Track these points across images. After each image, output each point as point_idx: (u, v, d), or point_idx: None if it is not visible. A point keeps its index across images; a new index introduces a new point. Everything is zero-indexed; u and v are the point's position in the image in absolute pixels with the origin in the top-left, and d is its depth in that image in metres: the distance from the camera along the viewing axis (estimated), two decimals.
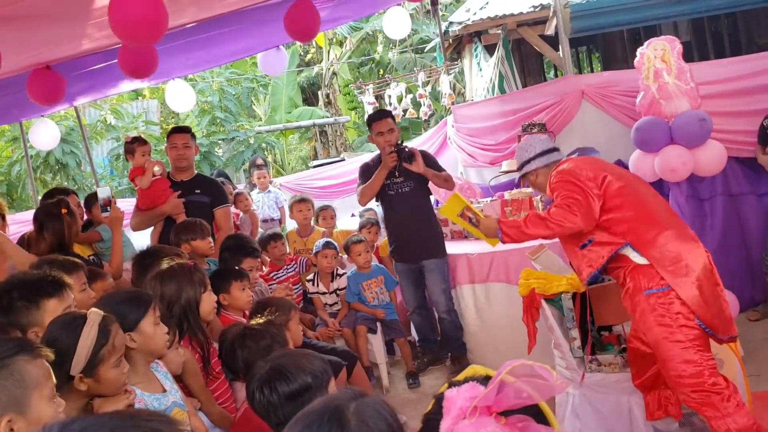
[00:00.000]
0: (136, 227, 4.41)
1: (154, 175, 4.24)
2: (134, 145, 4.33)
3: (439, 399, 1.14)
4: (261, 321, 2.76)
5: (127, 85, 6.10)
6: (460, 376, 1.21)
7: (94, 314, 1.96)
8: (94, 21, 3.81)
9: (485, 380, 1.13)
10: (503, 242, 3.12)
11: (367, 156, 6.39)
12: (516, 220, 3.07)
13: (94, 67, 5.18)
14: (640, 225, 2.84)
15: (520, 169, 3.28)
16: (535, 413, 1.11)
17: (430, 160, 4.68)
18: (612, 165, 3.24)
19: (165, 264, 2.80)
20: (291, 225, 6.17)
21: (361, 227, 5.51)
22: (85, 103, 6.85)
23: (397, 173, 4.63)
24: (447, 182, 4.61)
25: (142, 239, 5.02)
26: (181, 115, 16.80)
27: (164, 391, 2.27)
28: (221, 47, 5.49)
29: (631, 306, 2.85)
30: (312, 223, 5.64)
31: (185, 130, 4.47)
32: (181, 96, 6.10)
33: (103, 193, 3.60)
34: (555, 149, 3.25)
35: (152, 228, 4.34)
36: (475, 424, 1.04)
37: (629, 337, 3.01)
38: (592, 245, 2.94)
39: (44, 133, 6.45)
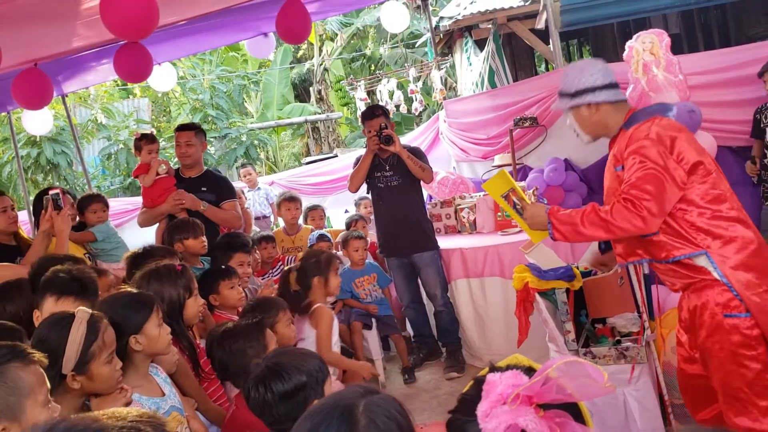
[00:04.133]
0: (142, 224, 4.44)
1: (158, 174, 4.23)
2: (142, 142, 4.32)
3: (478, 381, 1.15)
4: (242, 323, 2.72)
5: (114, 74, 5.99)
6: (502, 363, 1.21)
7: (82, 312, 1.97)
8: (83, 20, 3.80)
9: (528, 371, 1.14)
10: (554, 239, 2.59)
11: (360, 152, 6.39)
12: (571, 215, 2.53)
13: (82, 57, 5.16)
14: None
15: (572, 95, 2.59)
16: (575, 412, 1.11)
17: (418, 155, 4.70)
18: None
19: (153, 264, 2.80)
20: (282, 222, 6.16)
21: (348, 225, 5.53)
22: (73, 90, 6.71)
23: (387, 167, 4.65)
24: (424, 171, 4.59)
25: (143, 237, 5.05)
26: (173, 112, 16.76)
27: (163, 395, 2.27)
28: (209, 35, 5.46)
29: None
30: (300, 221, 5.62)
31: (189, 127, 4.45)
32: (162, 76, 6.04)
33: (53, 194, 3.55)
34: (617, 86, 2.63)
35: (157, 225, 4.37)
36: (513, 411, 1.04)
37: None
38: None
39: (36, 117, 6.37)
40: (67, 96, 6.58)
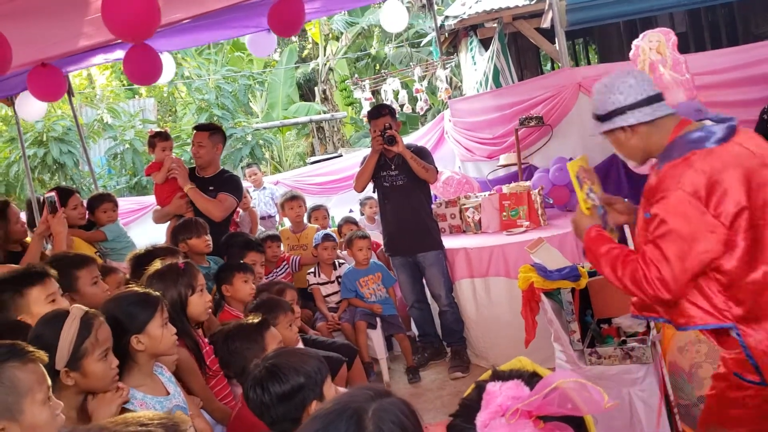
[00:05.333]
0: (156, 222, 4.56)
1: (170, 170, 4.25)
2: (156, 139, 4.39)
3: (480, 387, 1.14)
4: (243, 323, 2.72)
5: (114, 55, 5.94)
6: (506, 367, 1.20)
7: (76, 309, 1.98)
8: (91, 17, 3.82)
9: (531, 378, 1.13)
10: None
11: (365, 152, 6.38)
12: (600, 250, 2.22)
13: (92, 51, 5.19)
14: None
15: (601, 118, 2.24)
16: (578, 424, 1.10)
17: (425, 159, 4.71)
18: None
19: (157, 265, 2.82)
20: (288, 221, 6.17)
21: (340, 226, 5.55)
22: (73, 70, 6.66)
23: (393, 166, 4.66)
24: (427, 172, 4.57)
25: (149, 236, 5.10)
26: (179, 112, 16.79)
27: (167, 394, 2.28)
28: (210, 29, 5.45)
29: None
30: (305, 220, 5.64)
31: (202, 128, 4.50)
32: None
33: (49, 197, 3.57)
34: (660, 97, 2.18)
35: (168, 224, 4.45)
36: (512, 426, 1.04)
37: None
38: None
39: (31, 103, 6.31)
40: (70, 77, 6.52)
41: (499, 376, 1.14)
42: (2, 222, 3.48)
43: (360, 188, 4.82)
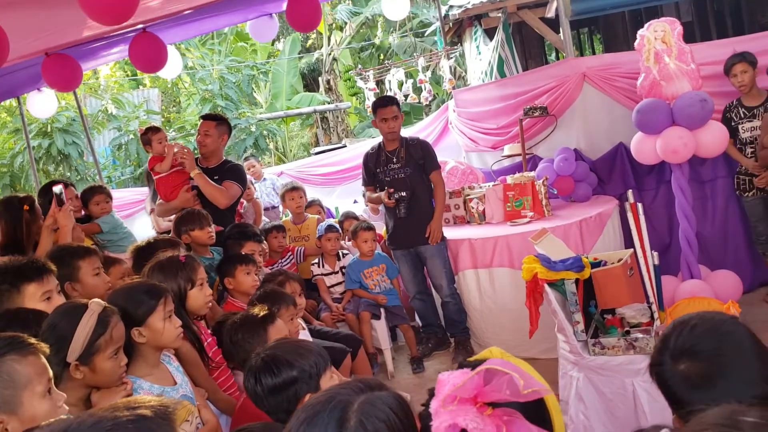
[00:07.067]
0: (159, 215, 4.58)
1: (177, 155, 4.24)
2: (149, 134, 4.39)
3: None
4: (247, 316, 2.70)
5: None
6: (477, 357, 1.20)
7: (95, 304, 1.99)
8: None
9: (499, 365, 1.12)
10: None
11: (369, 143, 6.38)
12: None
13: (93, 47, 5.18)
14: None
15: None
16: (532, 410, 1.09)
17: (428, 153, 4.71)
18: None
19: (158, 257, 2.82)
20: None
21: (341, 222, 5.55)
22: (88, 68, 6.65)
23: (395, 159, 4.67)
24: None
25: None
26: (183, 103, 16.77)
27: (175, 383, 2.29)
28: (214, 16, 5.44)
29: None
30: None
31: (209, 117, 4.51)
32: (168, 63, 6.00)
33: (56, 190, 3.57)
34: None
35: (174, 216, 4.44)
36: (453, 412, 1.04)
37: None
38: None
39: (41, 101, 6.29)
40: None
41: (463, 366, 1.14)
42: (33, 218, 3.49)
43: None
